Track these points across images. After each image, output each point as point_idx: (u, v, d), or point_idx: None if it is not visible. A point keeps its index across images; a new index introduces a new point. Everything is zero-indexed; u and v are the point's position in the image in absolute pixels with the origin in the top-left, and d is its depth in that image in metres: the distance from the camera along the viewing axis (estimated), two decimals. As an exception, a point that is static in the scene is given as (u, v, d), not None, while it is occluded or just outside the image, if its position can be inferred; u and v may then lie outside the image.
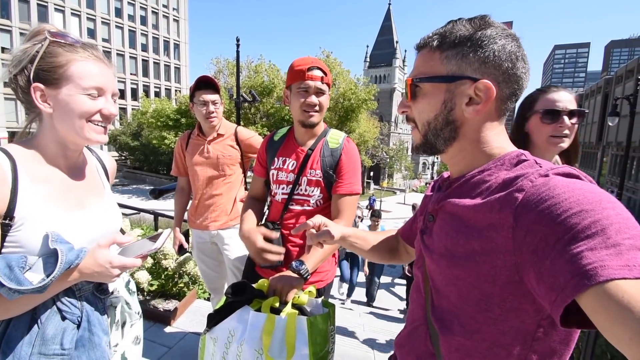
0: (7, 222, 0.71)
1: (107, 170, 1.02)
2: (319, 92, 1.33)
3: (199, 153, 1.96)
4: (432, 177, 48.37)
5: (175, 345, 2.27)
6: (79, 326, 0.81)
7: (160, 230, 0.91)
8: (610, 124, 11.61)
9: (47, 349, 0.75)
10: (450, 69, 0.61)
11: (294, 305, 1.09)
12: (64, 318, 0.79)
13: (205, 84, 1.88)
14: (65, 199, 0.82)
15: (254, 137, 2.04)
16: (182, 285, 2.78)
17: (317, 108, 1.33)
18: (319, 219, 0.99)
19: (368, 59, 53.08)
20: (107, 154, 1.05)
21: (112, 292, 0.95)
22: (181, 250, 2.10)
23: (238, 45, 10.69)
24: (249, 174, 1.97)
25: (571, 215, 0.45)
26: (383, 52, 52.61)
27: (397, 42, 52.90)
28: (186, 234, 2.15)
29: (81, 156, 0.93)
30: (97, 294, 0.88)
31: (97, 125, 0.83)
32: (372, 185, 37.28)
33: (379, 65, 51.45)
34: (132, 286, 1.05)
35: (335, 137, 1.41)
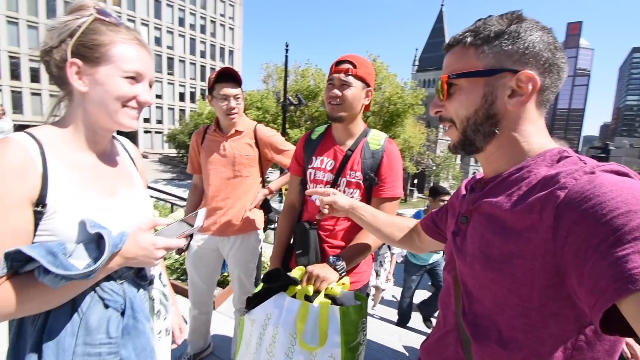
0: (39, 209, 0.66)
1: (132, 157, 0.95)
2: (343, 85, 1.28)
3: (215, 151, 1.80)
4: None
5: (219, 329, 2.44)
6: (123, 314, 0.77)
7: (196, 211, 0.88)
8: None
9: (92, 339, 0.71)
10: (488, 63, 0.60)
11: (327, 296, 1.13)
12: (106, 306, 0.75)
13: (226, 77, 1.69)
14: (96, 186, 0.77)
15: (275, 135, 1.88)
16: (226, 274, 2.96)
17: (338, 100, 1.28)
18: (330, 190, 1.12)
19: (417, 62, 51.61)
20: (129, 142, 0.98)
21: (151, 281, 0.90)
22: (182, 251, 1.97)
23: (287, 50, 11.11)
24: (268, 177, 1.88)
25: (617, 216, 0.42)
26: (433, 55, 50.81)
27: (449, 45, 50.78)
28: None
29: (110, 143, 0.88)
30: (137, 280, 0.84)
31: (132, 110, 0.77)
32: (416, 194, 36.04)
33: (429, 69, 49.71)
34: (164, 279, 1.01)
35: (377, 138, 1.36)
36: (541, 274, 0.51)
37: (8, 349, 0.71)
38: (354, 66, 1.28)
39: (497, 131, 0.63)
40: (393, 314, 4.56)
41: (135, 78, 0.76)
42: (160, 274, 0.99)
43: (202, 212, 0.87)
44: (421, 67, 50.78)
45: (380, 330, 3.43)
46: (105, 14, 0.75)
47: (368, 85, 1.32)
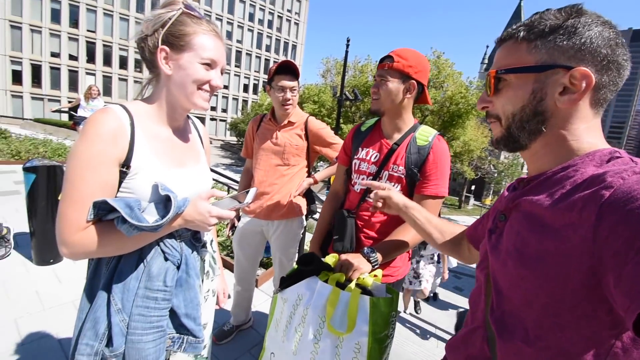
0: (124, 170, 0.79)
1: (201, 136, 1.08)
2: (382, 80, 1.32)
3: (268, 138, 1.91)
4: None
5: (259, 305, 2.62)
6: (178, 268, 0.88)
7: (247, 189, 0.97)
8: None
9: (152, 285, 0.82)
10: (539, 59, 0.58)
11: (359, 285, 1.15)
12: (166, 259, 0.85)
13: (286, 69, 1.80)
14: (169, 156, 0.88)
15: (324, 128, 1.95)
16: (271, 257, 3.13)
17: (375, 96, 1.35)
18: (386, 184, 1.12)
19: (486, 60, 47.93)
20: (200, 122, 1.12)
21: (204, 245, 1.01)
22: (233, 229, 2.13)
23: (347, 46, 11.06)
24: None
25: None
26: (507, 53, 46.69)
27: (526, 42, 46.28)
28: None
29: (185, 121, 1.00)
30: (193, 242, 0.95)
31: (205, 93, 0.88)
32: (472, 201, 33.81)
33: (500, 69, 45.92)
34: (214, 246, 1.13)
35: (425, 134, 1.35)
36: (576, 274, 0.50)
37: (85, 283, 0.85)
38: (392, 60, 1.30)
39: (544, 129, 0.60)
40: (435, 316, 4.39)
41: (210, 65, 0.86)
42: (211, 241, 1.11)
43: (252, 191, 0.95)
44: (490, 66, 47.10)
45: (414, 336, 3.35)
46: (191, 8, 0.87)
47: (410, 77, 1.30)
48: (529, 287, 0.57)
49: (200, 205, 0.84)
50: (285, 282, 1.21)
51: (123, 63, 36.14)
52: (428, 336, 3.45)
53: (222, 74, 0.91)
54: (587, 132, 0.59)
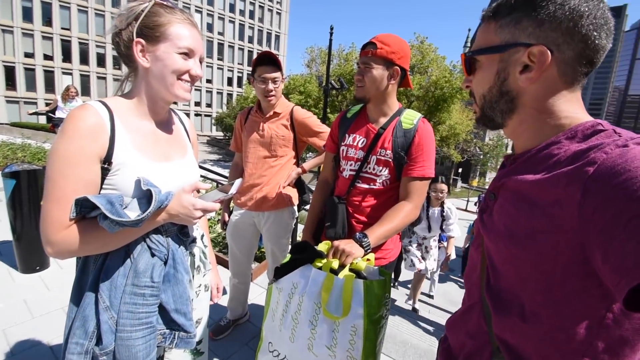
0: (105, 166, 0.77)
1: (187, 130, 1.06)
2: (366, 67, 1.32)
3: (255, 131, 1.91)
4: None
5: (255, 299, 2.62)
6: (165, 263, 0.87)
7: (232, 181, 0.96)
8: None
9: (139, 281, 0.81)
10: (503, 38, 0.59)
11: (352, 270, 1.16)
12: (153, 255, 0.84)
13: (266, 60, 1.78)
14: (153, 150, 0.87)
15: (310, 117, 1.93)
16: (264, 250, 3.12)
17: (359, 83, 1.35)
18: None
19: (469, 44, 48.19)
20: (185, 116, 1.11)
21: (193, 240, 1.00)
22: (225, 225, 2.14)
23: (331, 34, 10.93)
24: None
25: None
26: (489, 36, 47.05)
27: (508, 24, 46.67)
28: None
29: (168, 114, 0.98)
30: (180, 237, 0.94)
31: (185, 83, 0.87)
32: (460, 183, 34.35)
33: (483, 51, 46.26)
34: (206, 241, 1.12)
35: (410, 118, 1.37)
36: (565, 251, 0.50)
37: (74, 282, 0.84)
38: (375, 47, 1.30)
39: (514, 108, 0.61)
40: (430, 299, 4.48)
41: (187, 54, 0.85)
42: (202, 236, 1.10)
43: (237, 182, 0.94)
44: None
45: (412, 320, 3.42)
46: None
47: (393, 63, 1.31)
48: (521, 264, 0.58)
49: (184, 198, 0.83)
50: (280, 272, 1.21)
51: (101, 61, 34.96)
52: (424, 318, 3.52)
53: (201, 63, 0.90)
54: (564, 107, 0.58)
